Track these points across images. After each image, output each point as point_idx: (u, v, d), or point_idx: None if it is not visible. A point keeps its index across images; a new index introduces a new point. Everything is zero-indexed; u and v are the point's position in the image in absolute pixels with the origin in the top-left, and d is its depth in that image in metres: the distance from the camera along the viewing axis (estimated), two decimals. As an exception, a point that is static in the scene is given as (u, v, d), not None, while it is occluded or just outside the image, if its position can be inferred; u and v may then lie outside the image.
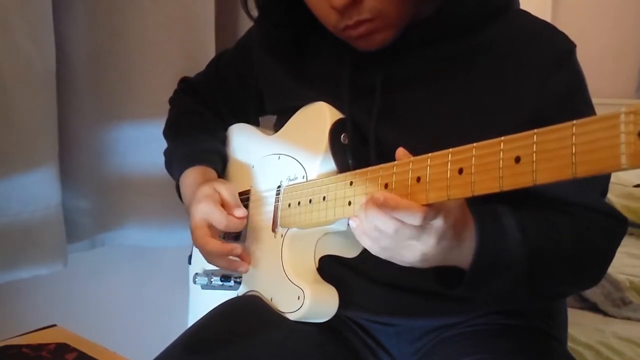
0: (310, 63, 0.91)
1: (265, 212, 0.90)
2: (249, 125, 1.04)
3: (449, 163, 0.58)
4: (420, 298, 0.81)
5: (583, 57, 0.81)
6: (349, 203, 0.71)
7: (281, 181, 0.88)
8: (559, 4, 3.15)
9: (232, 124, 1.06)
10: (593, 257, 0.77)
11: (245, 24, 1.22)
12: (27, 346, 0.90)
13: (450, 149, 0.58)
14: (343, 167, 0.81)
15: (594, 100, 0.81)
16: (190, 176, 0.96)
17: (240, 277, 0.93)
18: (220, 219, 0.85)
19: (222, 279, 0.95)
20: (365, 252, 0.70)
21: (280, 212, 0.86)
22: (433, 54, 0.82)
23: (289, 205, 0.84)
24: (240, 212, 0.87)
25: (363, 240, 0.67)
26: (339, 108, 0.84)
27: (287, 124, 0.91)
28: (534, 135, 0.50)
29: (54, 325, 0.99)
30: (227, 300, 0.90)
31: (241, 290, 0.92)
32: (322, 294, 0.81)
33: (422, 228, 0.62)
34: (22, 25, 0.96)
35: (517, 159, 0.51)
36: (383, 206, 0.61)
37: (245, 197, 0.95)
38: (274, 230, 0.87)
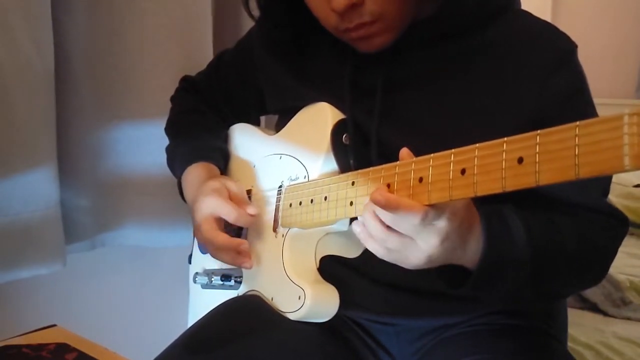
0: (311, 63, 0.91)
1: (266, 211, 0.90)
2: (250, 125, 1.04)
3: (452, 164, 0.58)
4: (421, 298, 0.81)
5: (583, 57, 0.81)
6: (351, 203, 0.71)
7: (282, 181, 0.88)
8: (559, 4, 3.15)
9: (233, 123, 1.06)
10: (595, 257, 0.78)
11: (245, 24, 1.22)
12: (27, 346, 0.90)
13: (453, 150, 0.58)
14: (345, 167, 0.81)
15: (594, 100, 0.81)
16: (194, 172, 0.96)
17: (241, 276, 0.93)
18: (229, 211, 0.84)
19: (223, 279, 0.95)
20: (366, 252, 0.70)
21: (282, 212, 0.86)
22: (434, 54, 0.82)
23: (290, 205, 0.84)
24: (252, 209, 0.86)
25: (369, 244, 0.67)
26: (340, 108, 0.84)
27: (289, 124, 0.91)
28: (537, 136, 0.50)
29: (54, 325, 0.99)
30: (228, 300, 0.90)
31: (241, 290, 0.92)
32: (323, 294, 0.81)
33: (423, 227, 0.62)
34: (22, 25, 0.96)
35: (520, 160, 0.51)
36: (385, 207, 0.61)
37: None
38: (275, 230, 0.87)
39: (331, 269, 0.84)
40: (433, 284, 0.73)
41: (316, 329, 0.83)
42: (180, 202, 1.01)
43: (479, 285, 0.69)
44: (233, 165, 1.03)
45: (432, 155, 0.61)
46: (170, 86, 1.13)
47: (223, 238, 0.84)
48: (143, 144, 1.18)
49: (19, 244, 1.01)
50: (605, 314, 1.47)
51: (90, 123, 1.14)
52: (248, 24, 1.00)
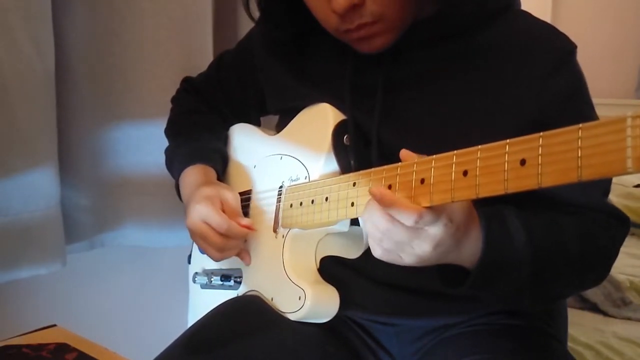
0: (312, 63, 0.91)
1: (266, 212, 0.90)
2: (250, 125, 1.04)
3: (454, 165, 0.58)
4: (421, 298, 0.81)
5: (583, 57, 0.81)
6: (352, 204, 0.71)
7: (283, 181, 0.88)
8: (559, 4, 3.15)
9: (234, 124, 1.06)
10: (596, 257, 0.78)
11: (245, 24, 1.22)
12: (27, 346, 0.90)
13: (455, 151, 0.58)
14: (346, 168, 0.81)
15: (594, 101, 0.81)
16: (191, 174, 0.96)
17: (241, 276, 0.93)
18: (220, 223, 0.84)
19: (222, 279, 0.95)
20: (366, 252, 0.70)
21: (282, 213, 0.86)
22: (434, 54, 0.82)
23: (291, 205, 0.84)
24: (245, 220, 0.87)
25: (369, 242, 0.67)
26: (341, 109, 0.84)
27: (290, 125, 0.91)
28: (540, 138, 0.50)
29: (54, 325, 0.99)
30: (227, 300, 0.90)
31: (241, 290, 0.92)
32: (323, 295, 0.81)
33: (415, 231, 0.62)
34: (22, 25, 0.96)
35: (523, 162, 0.51)
36: (380, 202, 0.61)
37: (246, 197, 0.95)
38: (275, 230, 0.87)
39: (331, 269, 0.84)
40: (433, 284, 0.73)
41: (316, 329, 0.83)
42: (180, 202, 1.01)
43: (479, 284, 0.69)
44: (233, 166, 1.03)
45: (434, 156, 0.60)
46: (170, 86, 1.13)
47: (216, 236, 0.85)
48: (143, 144, 1.18)
49: (18, 244, 1.01)
50: (605, 314, 1.47)
51: (90, 123, 1.14)
52: (248, 24, 1.00)
